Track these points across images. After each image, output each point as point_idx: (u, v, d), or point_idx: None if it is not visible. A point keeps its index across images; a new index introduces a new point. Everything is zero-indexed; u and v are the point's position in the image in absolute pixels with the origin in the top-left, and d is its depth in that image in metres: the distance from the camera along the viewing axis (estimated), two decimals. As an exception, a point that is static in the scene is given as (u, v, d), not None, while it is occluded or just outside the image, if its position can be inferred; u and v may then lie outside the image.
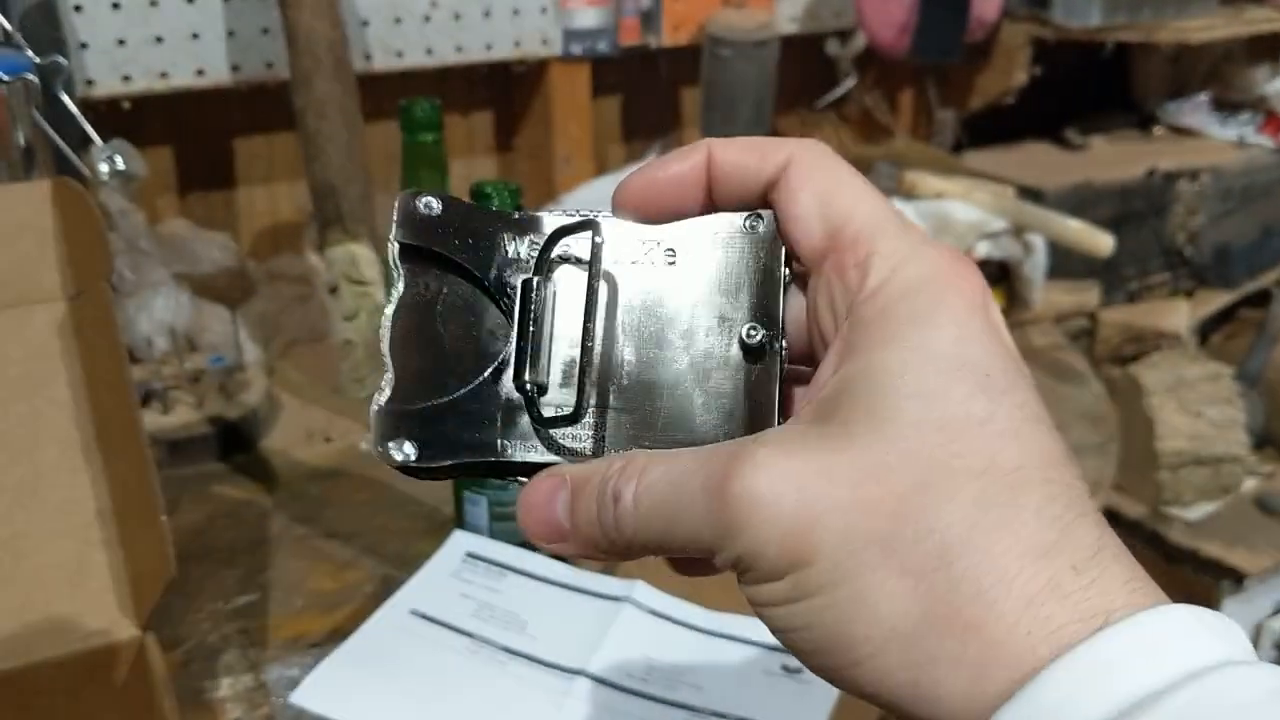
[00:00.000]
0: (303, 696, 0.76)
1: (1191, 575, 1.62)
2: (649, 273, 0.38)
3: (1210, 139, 1.99)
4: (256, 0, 1.30)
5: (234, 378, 1.10)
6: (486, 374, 0.37)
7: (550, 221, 0.38)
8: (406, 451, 0.36)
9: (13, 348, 0.63)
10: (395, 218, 0.38)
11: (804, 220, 0.36)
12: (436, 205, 0.38)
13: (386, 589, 0.87)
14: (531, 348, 0.37)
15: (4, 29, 0.94)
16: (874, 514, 0.31)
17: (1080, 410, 1.26)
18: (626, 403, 0.37)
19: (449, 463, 0.37)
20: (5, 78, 0.85)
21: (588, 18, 1.52)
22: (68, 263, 0.65)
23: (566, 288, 0.38)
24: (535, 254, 0.38)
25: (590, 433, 0.37)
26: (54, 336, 0.64)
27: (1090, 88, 2.04)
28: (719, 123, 1.59)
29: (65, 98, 0.95)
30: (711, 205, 0.39)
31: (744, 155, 0.38)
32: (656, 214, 0.38)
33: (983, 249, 1.38)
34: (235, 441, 1.07)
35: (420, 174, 1.01)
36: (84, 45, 1.24)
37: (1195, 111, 2.04)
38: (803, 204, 0.36)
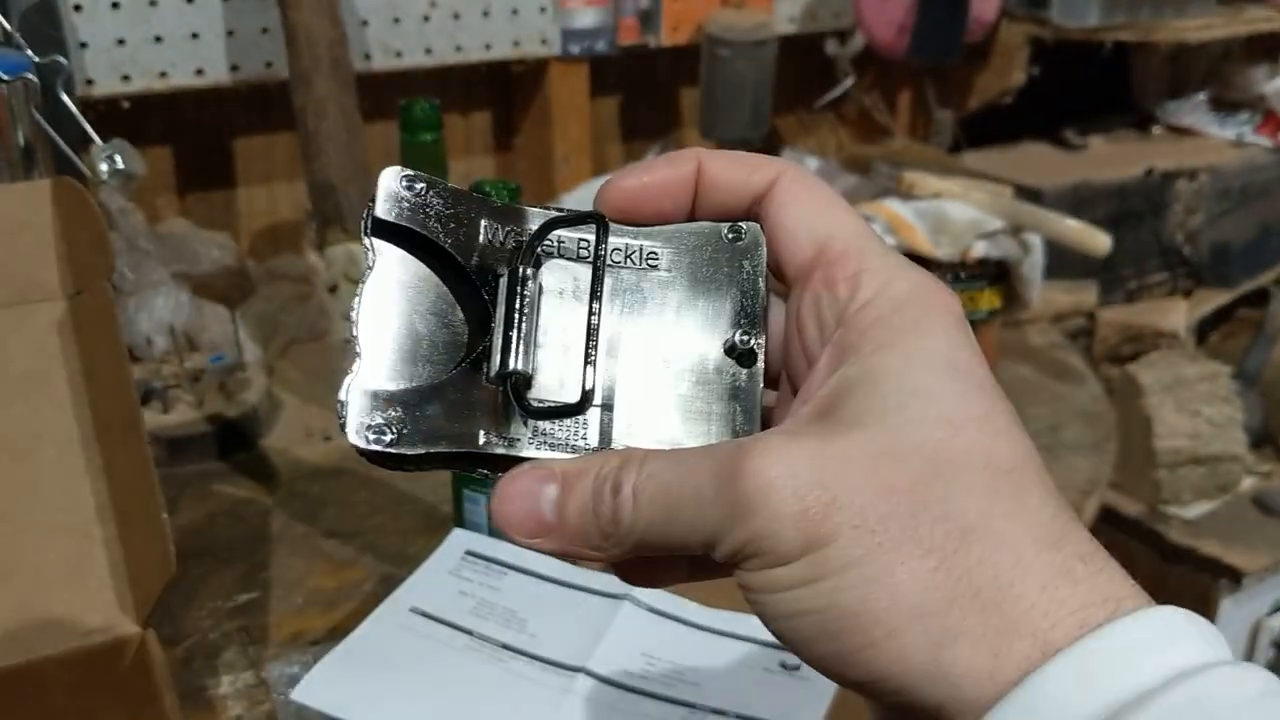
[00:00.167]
0: (303, 693, 0.76)
1: (1189, 574, 1.63)
2: (631, 275, 0.38)
3: (1208, 138, 2.00)
4: (256, 0, 1.30)
5: (234, 377, 1.10)
6: (467, 362, 0.36)
7: (535, 214, 0.38)
8: (381, 436, 0.35)
9: (13, 346, 0.63)
10: (376, 194, 0.37)
11: (793, 235, 0.37)
12: (420, 186, 0.37)
13: (386, 587, 0.87)
14: (519, 337, 0.36)
15: (4, 29, 0.95)
16: (891, 495, 0.31)
17: (1078, 409, 1.26)
18: (611, 402, 0.37)
19: (424, 451, 0.35)
20: (5, 77, 0.85)
21: (586, 17, 1.52)
22: (68, 262, 0.65)
23: (551, 280, 0.37)
24: (517, 244, 0.37)
25: (577, 429, 0.36)
26: (54, 335, 0.64)
27: (1088, 88, 2.04)
28: (718, 123, 1.59)
29: (65, 97, 0.96)
30: (694, 213, 0.39)
31: (732, 168, 0.38)
32: (640, 217, 0.39)
33: (981, 248, 1.38)
34: (235, 440, 1.07)
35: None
36: (84, 45, 1.24)
37: (1193, 111, 2.04)
38: (791, 219, 0.37)
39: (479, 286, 0.37)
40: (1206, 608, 1.61)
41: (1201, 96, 2.06)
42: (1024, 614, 0.30)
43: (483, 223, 0.37)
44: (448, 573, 0.87)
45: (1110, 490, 1.57)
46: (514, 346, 0.36)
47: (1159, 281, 1.90)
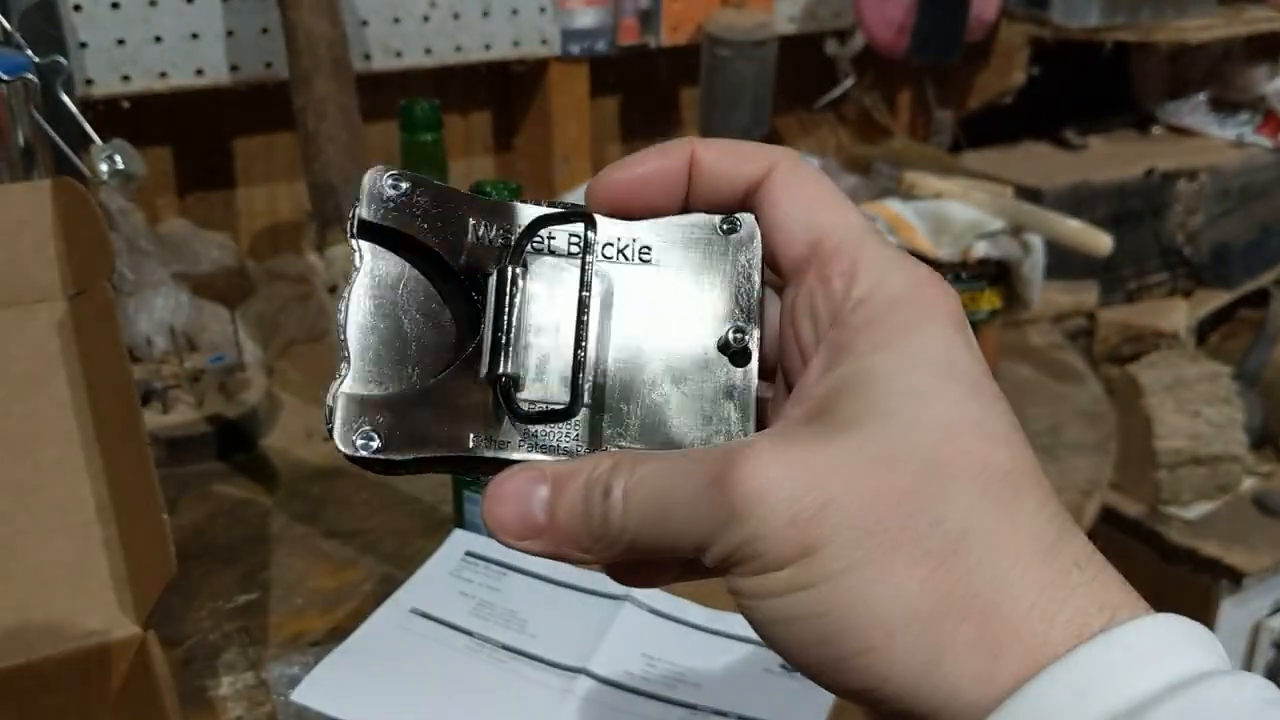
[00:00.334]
0: (303, 694, 0.76)
1: (1190, 575, 1.62)
2: (624, 270, 0.37)
3: (1209, 139, 2.00)
4: (256, 0, 1.30)
5: (234, 377, 1.10)
6: (455, 364, 0.36)
7: (524, 211, 0.37)
8: (368, 442, 0.35)
9: (13, 347, 0.63)
10: (361, 194, 0.36)
11: (787, 228, 0.36)
12: (405, 185, 0.36)
13: (386, 588, 0.87)
14: (509, 339, 0.35)
15: (4, 29, 0.94)
16: (882, 502, 0.31)
17: (1078, 410, 1.26)
18: (602, 403, 0.36)
19: (413, 456, 0.35)
20: (5, 77, 0.85)
21: (586, 17, 1.52)
22: (68, 262, 0.65)
23: (540, 279, 0.37)
24: (506, 242, 0.36)
25: (568, 431, 0.36)
26: (54, 335, 0.64)
27: (1089, 88, 2.05)
28: (718, 123, 1.59)
29: (65, 97, 0.96)
30: (687, 205, 0.38)
31: (726, 158, 0.37)
32: (632, 210, 0.38)
33: (981, 248, 1.38)
34: (235, 440, 1.07)
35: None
36: (83, 45, 1.24)
37: (1194, 111, 2.04)
38: (786, 212, 0.37)
39: (468, 285, 0.36)
40: (1207, 608, 1.61)
41: (1202, 97, 2.06)
42: (1019, 622, 0.30)
43: (470, 221, 0.36)
44: (448, 573, 0.87)
45: (1110, 491, 1.57)
46: (503, 348, 0.35)
47: (1159, 282, 1.90)
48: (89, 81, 1.25)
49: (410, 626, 0.82)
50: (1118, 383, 1.69)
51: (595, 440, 0.36)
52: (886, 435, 0.32)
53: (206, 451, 1.05)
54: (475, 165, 1.61)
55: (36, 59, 0.91)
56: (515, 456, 0.36)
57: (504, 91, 1.61)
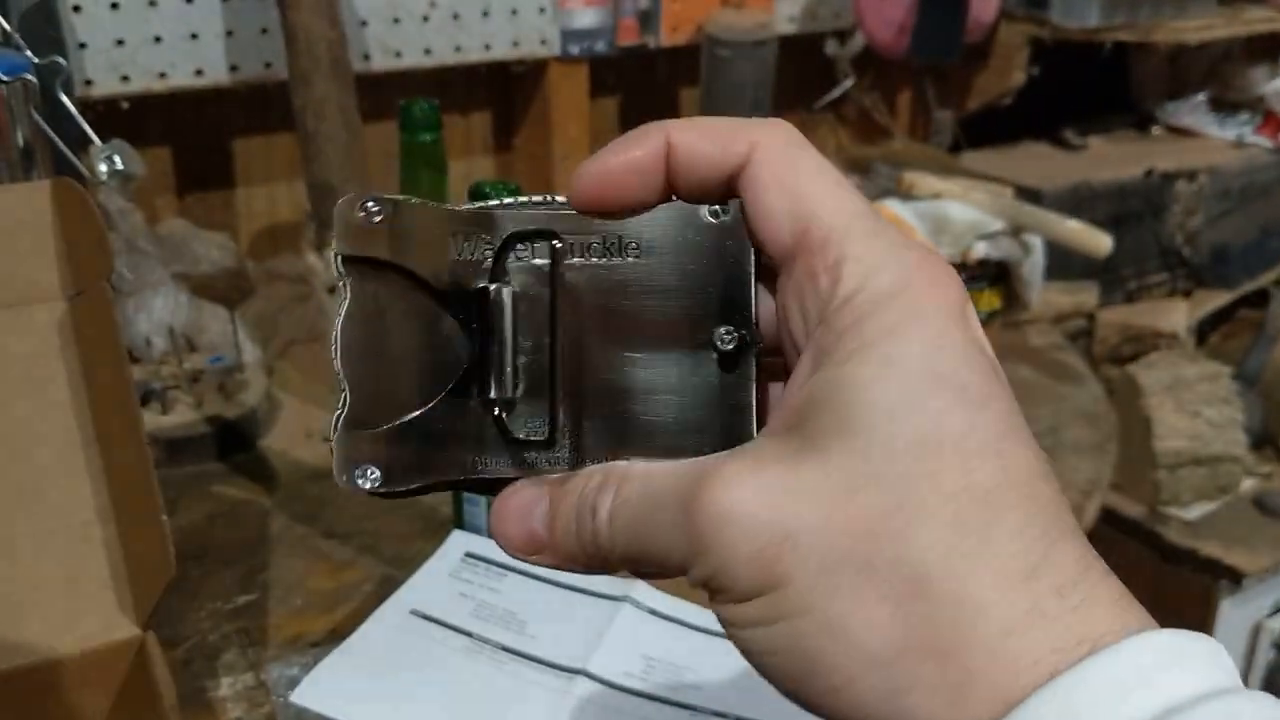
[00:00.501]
0: (303, 695, 0.76)
1: (1189, 575, 1.62)
2: (613, 270, 0.36)
3: (1208, 139, 2.00)
4: (255, 0, 1.30)
5: (233, 377, 1.10)
6: (449, 387, 0.35)
7: (504, 219, 0.36)
8: (371, 478, 0.35)
9: (12, 347, 0.63)
10: (336, 228, 0.35)
11: (770, 218, 0.34)
12: (375, 208, 0.35)
13: (386, 588, 0.87)
14: (497, 360, 0.35)
15: (3, 29, 0.94)
16: (847, 536, 0.30)
17: (1078, 410, 1.26)
18: (599, 409, 0.36)
19: (417, 485, 0.35)
20: (5, 78, 0.85)
21: (586, 18, 1.52)
22: (67, 262, 0.65)
23: (527, 289, 0.36)
24: (490, 252, 0.35)
25: (565, 443, 0.36)
26: (53, 336, 0.64)
27: (1088, 88, 2.05)
28: (717, 123, 1.59)
29: (64, 98, 0.95)
30: (673, 193, 0.36)
31: (704, 142, 0.35)
32: (613, 203, 0.36)
33: (980, 249, 1.39)
34: (234, 441, 1.07)
35: (419, 174, 1.01)
36: (83, 45, 1.24)
37: (1193, 112, 2.04)
38: (768, 200, 0.34)
39: (455, 306, 0.36)
40: (1206, 609, 1.61)
41: (1201, 97, 2.06)
42: (985, 664, 0.29)
43: (449, 238, 0.35)
44: (447, 574, 0.87)
45: (1110, 491, 1.57)
46: (492, 372, 0.35)
47: (1159, 282, 1.90)
48: (88, 82, 1.25)
49: (410, 627, 0.82)
50: (1117, 383, 1.69)
51: (593, 450, 0.36)
52: (856, 458, 0.30)
53: (206, 452, 1.05)
54: (475, 165, 1.61)
55: (36, 59, 0.91)
56: (515, 475, 0.36)
57: (504, 92, 1.61)
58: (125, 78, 1.27)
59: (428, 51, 1.43)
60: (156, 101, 1.32)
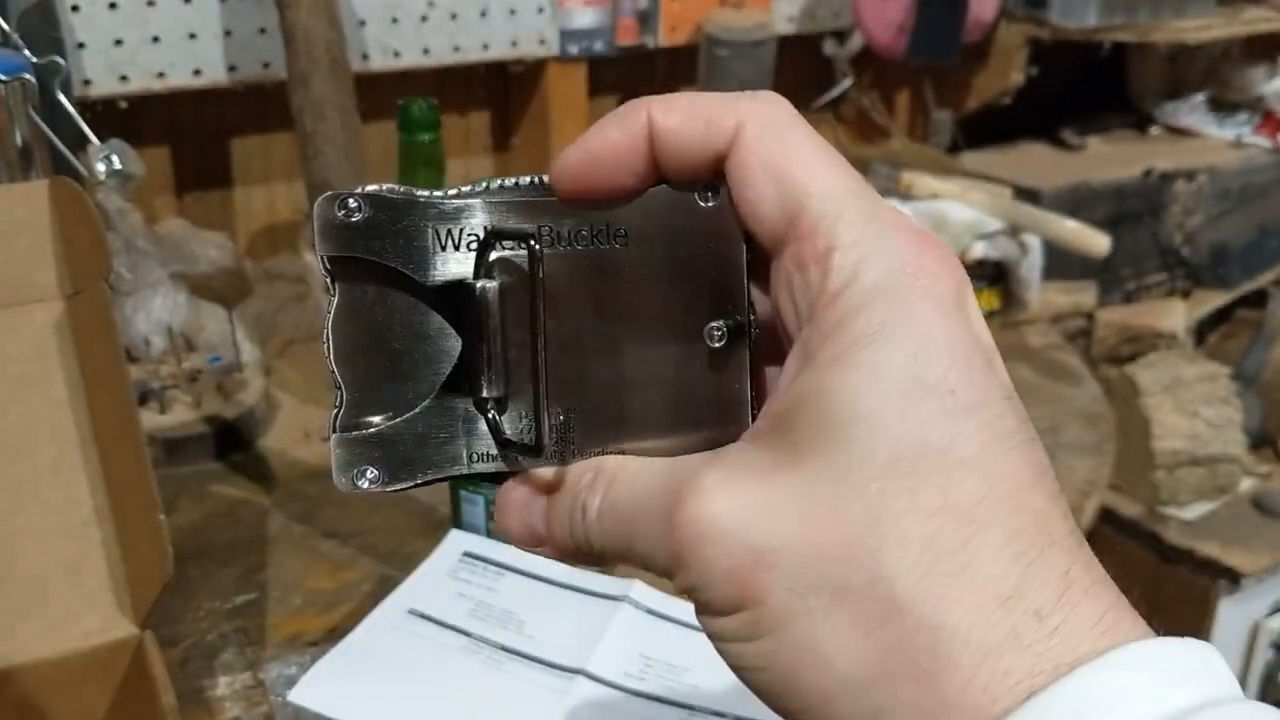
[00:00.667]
0: (300, 695, 0.76)
1: (1188, 575, 1.63)
2: (601, 259, 0.35)
3: (1207, 139, 2.00)
4: (253, 0, 1.30)
5: (231, 377, 1.10)
6: (441, 384, 0.35)
7: (487, 209, 0.35)
8: (370, 478, 0.35)
9: (11, 347, 0.63)
10: (316, 227, 0.34)
11: (758, 203, 0.32)
12: (354, 205, 0.34)
13: (384, 588, 0.87)
14: (484, 357, 0.34)
15: (2, 29, 0.94)
16: (822, 556, 0.29)
17: (1076, 410, 1.26)
18: (592, 401, 0.35)
19: (415, 482, 0.35)
20: (3, 78, 0.85)
21: (585, 18, 1.52)
22: (65, 262, 0.65)
23: (513, 283, 0.35)
24: (474, 243, 0.34)
25: (557, 437, 0.35)
26: (52, 336, 0.64)
27: (1087, 88, 2.05)
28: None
29: (63, 98, 0.95)
30: (661, 176, 0.34)
31: (688, 123, 0.33)
32: (598, 194, 0.34)
33: (979, 249, 1.39)
34: (232, 441, 1.07)
35: (417, 174, 1.01)
36: (81, 45, 1.24)
37: (1192, 112, 2.05)
38: (755, 185, 0.32)
39: (441, 301, 0.35)
40: (1204, 609, 1.62)
41: (1200, 97, 2.06)
42: (960, 689, 0.28)
43: (430, 231, 0.34)
44: (445, 574, 0.87)
45: (1109, 491, 1.57)
46: (482, 371, 0.35)
47: (1157, 282, 1.90)
48: (87, 82, 1.25)
49: (408, 627, 0.82)
50: (1116, 383, 1.69)
51: (586, 444, 0.35)
52: (834, 473, 0.29)
53: (204, 452, 1.05)
54: (473, 165, 1.61)
55: (34, 59, 0.91)
56: (510, 468, 0.36)
57: (502, 91, 1.61)
58: (124, 77, 1.27)
59: (426, 51, 1.43)
60: (155, 101, 1.31)
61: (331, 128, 1.17)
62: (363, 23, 1.38)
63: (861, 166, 1.62)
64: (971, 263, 1.38)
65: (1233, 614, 1.63)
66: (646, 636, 0.81)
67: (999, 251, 1.42)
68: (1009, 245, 1.43)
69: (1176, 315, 1.85)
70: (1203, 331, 1.97)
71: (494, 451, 0.35)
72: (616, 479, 0.34)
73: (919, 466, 0.29)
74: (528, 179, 0.35)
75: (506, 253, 0.35)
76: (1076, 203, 1.72)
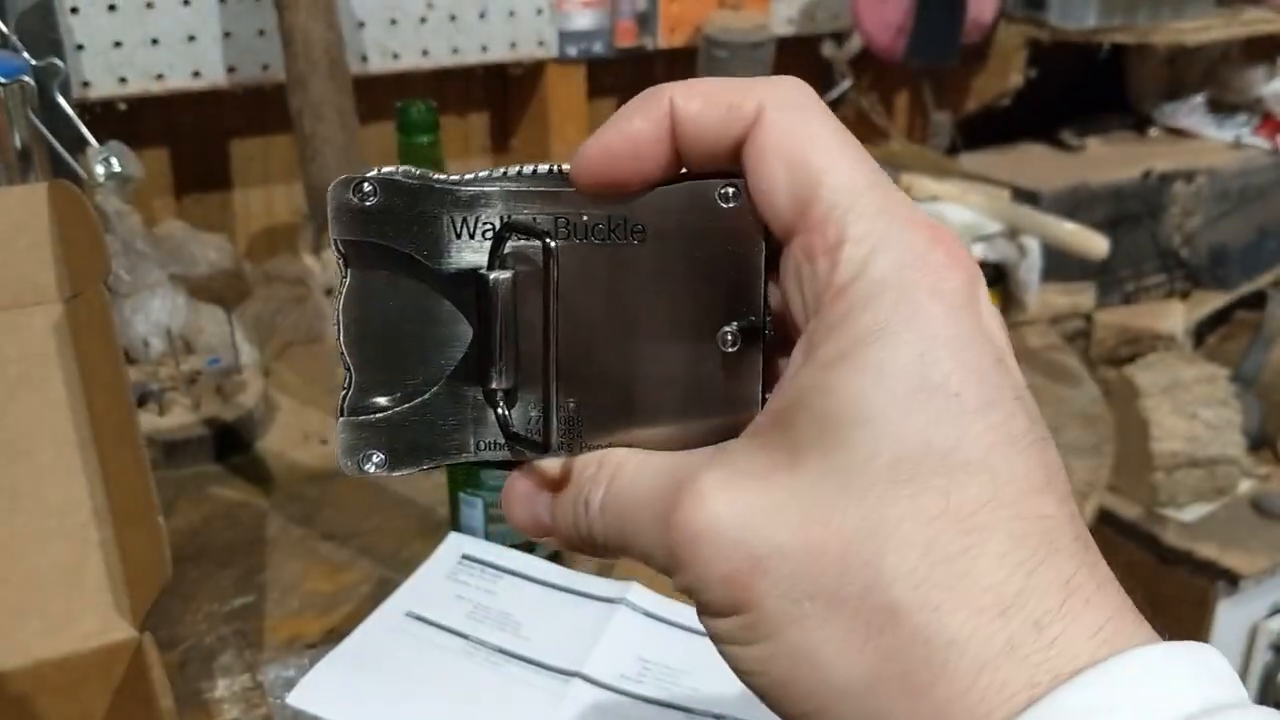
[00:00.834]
0: (299, 697, 0.76)
1: (1186, 577, 1.63)
2: (616, 253, 0.34)
3: (1206, 140, 2.00)
4: (252, 2, 1.30)
5: (230, 379, 1.10)
6: (451, 371, 0.35)
7: (497, 200, 0.34)
8: (375, 462, 0.35)
9: (9, 349, 0.63)
10: (330, 210, 0.34)
11: (772, 192, 0.32)
12: (373, 192, 0.34)
13: (382, 591, 0.87)
14: (495, 349, 0.34)
15: (1, 32, 0.94)
16: (818, 563, 0.29)
17: (1075, 412, 1.26)
18: (600, 395, 0.35)
19: (419, 468, 0.35)
20: (2, 80, 0.85)
21: (584, 19, 1.52)
22: (64, 265, 0.65)
23: (527, 274, 0.34)
24: (490, 232, 0.34)
25: (565, 429, 0.35)
26: (50, 338, 0.64)
27: (1086, 89, 2.05)
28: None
29: (61, 100, 0.96)
30: (681, 165, 0.34)
31: (709, 108, 0.32)
32: (620, 182, 0.33)
33: (978, 251, 1.39)
34: (231, 443, 1.07)
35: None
36: (80, 47, 1.24)
37: (1191, 113, 2.05)
38: (769, 173, 0.32)
39: (454, 289, 0.35)
40: (1203, 611, 1.61)
41: (1199, 98, 2.06)
42: (955, 700, 0.27)
43: (445, 218, 0.34)
44: (444, 577, 0.87)
45: (1107, 493, 1.57)
46: (493, 362, 0.34)
47: (1156, 283, 1.90)
48: (85, 84, 1.25)
49: (406, 629, 0.82)
50: (1115, 385, 1.69)
51: (593, 434, 0.35)
52: (834, 477, 0.29)
53: (203, 454, 1.05)
54: (472, 167, 1.59)
55: (33, 61, 0.92)
56: (516, 457, 0.36)
57: (501, 93, 1.61)
58: (123, 79, 1.27)
59: (425, 53, 1.43)
60: (154, 103, 1.32)
61: (330, 129, 1.17)
62: (361, 24, 1.38)
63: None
64: (970, 264, 1.38)
65: (1231, 616, 1.63)
66: (644, 639, 0.81)
67: (998, 253, 1.42)
68: (1008, 247, 1.43)
69: (1175, 317, 1.85)
70: (1202, 333, 1.97)
71: (502, 440, 0.35)
72: (618, 474, 0.33)
73: (921, 470, 0.28)
74: (546, 168, 0.35)
75: (522, 243, 0.34)
76: (1076, 204, 1.72)
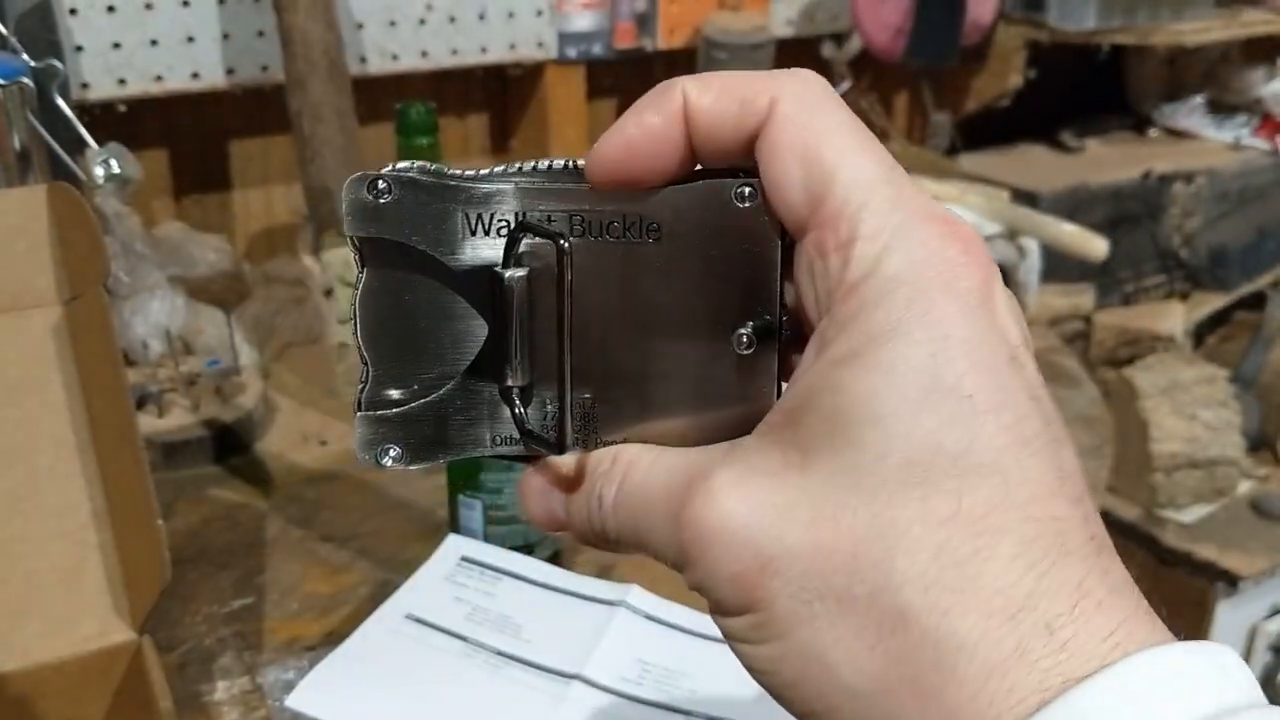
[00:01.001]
0: (298, 700, 0.76)
1: (1186, 578, 1.63)
2: (631, 253, 0.34)
3: (1206, 141, 2.00)
4: (252, 3, 1.30)
5: (229, 381, 1.10)
6: (467, 366, 0.35)
7: (511, 197, 0.34)
8: (391, 457, 0.35)
9: (9, 351, 0.63)
10: (344, 207, 0.34)
11: (785, 188, 0.31)
12: (388, 189, 0.34)
13: (382, 592, 0.87)
14: (510, 346, 0.34)
15: (0, 34, 0.94)
16: (828, 564, 0.28)
17: (1075, 413, 1.26)
18: (615, 393, 0.35)
19: (435, 462, 0.35)
20: (1, 82, 0.85)
21: (583, 21, 1.52)
22: (63, 267, 0.65)
23: (542, 272, 0.34)
24: (505, 228, 0.34)
25: (579, 425, 0.35)
26: (50, 340, 0.64)
27: (1085, 90, 2.05)
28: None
29: (61, 101, 0.96)
30: (697, 161, 0.33)
31: (722, 102, 0.32)
32: (637, 182, 0.33)
33: (978, 252, 1.39)
34: (231, 444, 1.07)
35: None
36: (79, 49, 1.24)
37: (1191, 114, 2.05)
38: (782, 168, 0.31)
39: (469, 286, 0.35)
40: (1203, 612, 1.62)
41: (1199, 99, 2.06)
42: (965, 704, 0.27)
43: (460, 215, 0.34)
44: (443, 579, 0.87)
45: (1107, 494, 1.57)
46: (509, 359, 0.34)
47: (1156, 284, 1.90)
48: (85, 85, 1.25)
49: (405, 632, 0.82)
50: (1114, 386, 1.69)
51: (607, 430, 0.35)
52: (844, 477, 0.29)
53: (202, 455, 1.05)
54: (475, 167, 1.61)
55: (32, 63, 0.92)
56: (531, 453, 0.36)
57: (501, 95, 1.61)
58: (122, 81, 1.27)
59: (424, 54, 1.43)
60: (153, 104, 1.32)
61: (329, 130, 1.17)
62: (360, 26, 1.38)
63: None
64: (970, 265, 1.38)
65: (1231, 617, 1.63)
66: (644, 641, 0.81)
67: (997, 255, 1.41)
68: (1007, 249, 1.43)
69: (1175, 317, 1.85)
70: (1201, 334, 1.97)
71: (515, 436, 0.35)
72: (631, 471, 0.33)
73: (932, 472, 0.28)
74: (561, 163, 0.35)
75: (537, 240, 0.34)
76: (1075, 205, 1.72)
